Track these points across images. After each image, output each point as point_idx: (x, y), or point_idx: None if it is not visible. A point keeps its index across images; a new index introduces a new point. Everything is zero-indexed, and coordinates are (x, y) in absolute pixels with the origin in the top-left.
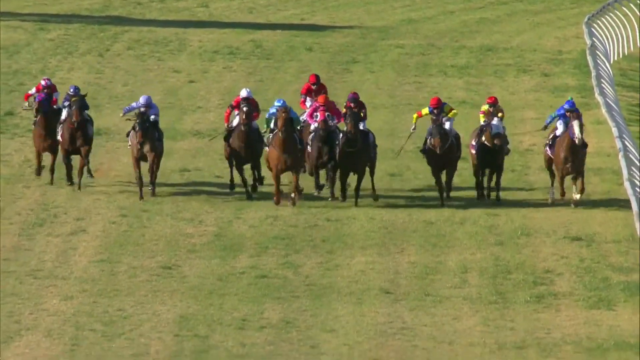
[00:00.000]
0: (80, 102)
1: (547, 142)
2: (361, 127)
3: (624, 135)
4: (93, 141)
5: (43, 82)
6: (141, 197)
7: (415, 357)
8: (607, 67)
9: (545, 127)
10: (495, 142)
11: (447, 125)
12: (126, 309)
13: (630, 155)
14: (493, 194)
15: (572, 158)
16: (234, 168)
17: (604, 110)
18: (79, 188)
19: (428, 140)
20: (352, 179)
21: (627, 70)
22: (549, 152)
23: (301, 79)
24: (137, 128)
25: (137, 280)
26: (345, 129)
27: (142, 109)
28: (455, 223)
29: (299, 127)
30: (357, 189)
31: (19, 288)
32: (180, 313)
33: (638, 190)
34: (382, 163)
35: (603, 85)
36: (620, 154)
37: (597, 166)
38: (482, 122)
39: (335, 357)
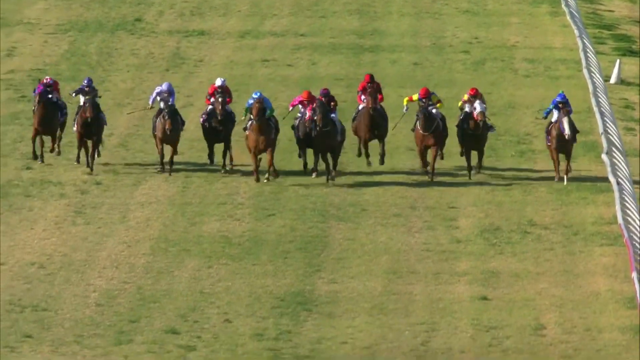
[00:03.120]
0: (93, 99)
1: (546, 129)
2: (332, 116)
3: (583, 35)
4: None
5: (45, 80)
6: (162, 169)
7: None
8: None
9: (545, 117)
10: (479, 118)
11: (433, 111)
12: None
13: (587, 50)
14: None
15: (562, 148)
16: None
17: (568, 17)
18: (91, 170)
19: (417, 122)
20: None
21: None
22: (547, 140)
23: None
24: (166, 117)
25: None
26: (315, 118)
27: (166, 98)
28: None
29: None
30: (335, 165)
31: (145, 147)
32: (262, 166)
33: (593, 74)
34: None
35: None
36: (581, 49)
37: (564, 57)
38: (466, 110)
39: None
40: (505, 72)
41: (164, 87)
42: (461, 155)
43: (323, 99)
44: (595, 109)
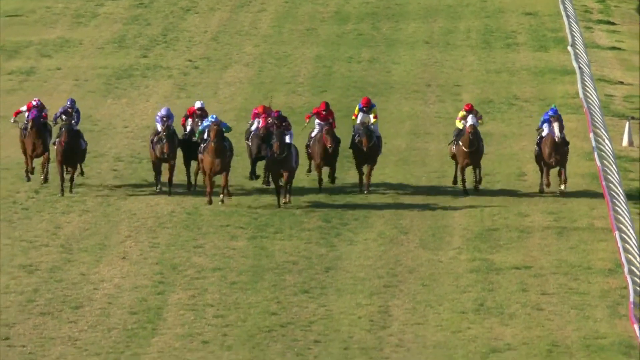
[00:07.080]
0: (69, 125)
1: (537, 141)
2: (287, 140)
3: None
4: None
5: (34, 102)
6: (160, 188)
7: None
8: None
9: (538, 129)
10: (470, 130)
11: (373, 127)
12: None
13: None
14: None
15: (555, 153)
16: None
17: None
18: (71, 191)
19: (356, 138)
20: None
21: None
22: (537, 150)
23: None
24: (164, 140)
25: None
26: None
27: (168, 122)
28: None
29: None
30: (287, 187)
31: (232, 41)
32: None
33: None
34: None
35: None
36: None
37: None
38: (459, 127)
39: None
40: None
41: (163, 112)
42: (454, 180)
43: (276, 122)
44: (563, 13)
